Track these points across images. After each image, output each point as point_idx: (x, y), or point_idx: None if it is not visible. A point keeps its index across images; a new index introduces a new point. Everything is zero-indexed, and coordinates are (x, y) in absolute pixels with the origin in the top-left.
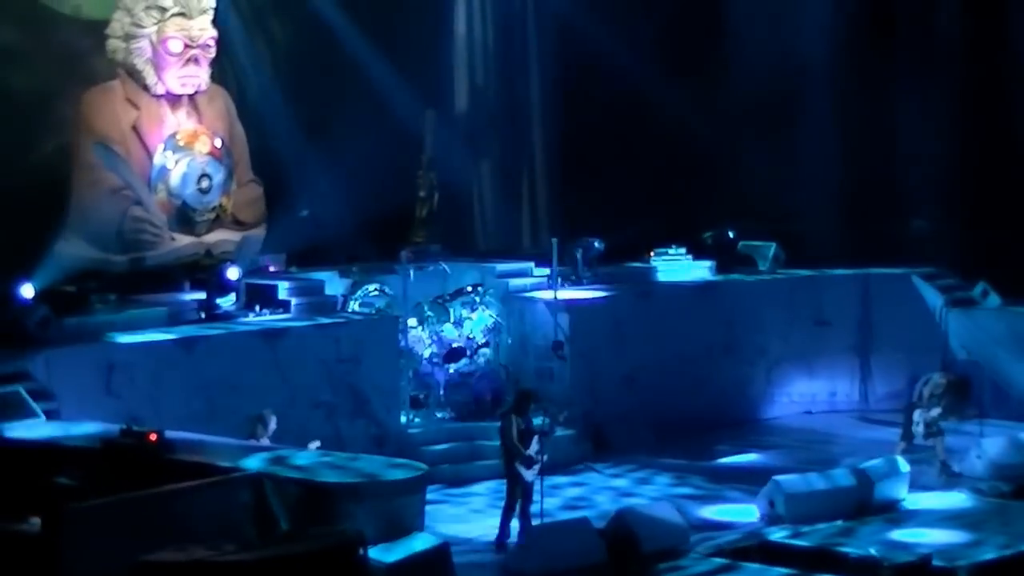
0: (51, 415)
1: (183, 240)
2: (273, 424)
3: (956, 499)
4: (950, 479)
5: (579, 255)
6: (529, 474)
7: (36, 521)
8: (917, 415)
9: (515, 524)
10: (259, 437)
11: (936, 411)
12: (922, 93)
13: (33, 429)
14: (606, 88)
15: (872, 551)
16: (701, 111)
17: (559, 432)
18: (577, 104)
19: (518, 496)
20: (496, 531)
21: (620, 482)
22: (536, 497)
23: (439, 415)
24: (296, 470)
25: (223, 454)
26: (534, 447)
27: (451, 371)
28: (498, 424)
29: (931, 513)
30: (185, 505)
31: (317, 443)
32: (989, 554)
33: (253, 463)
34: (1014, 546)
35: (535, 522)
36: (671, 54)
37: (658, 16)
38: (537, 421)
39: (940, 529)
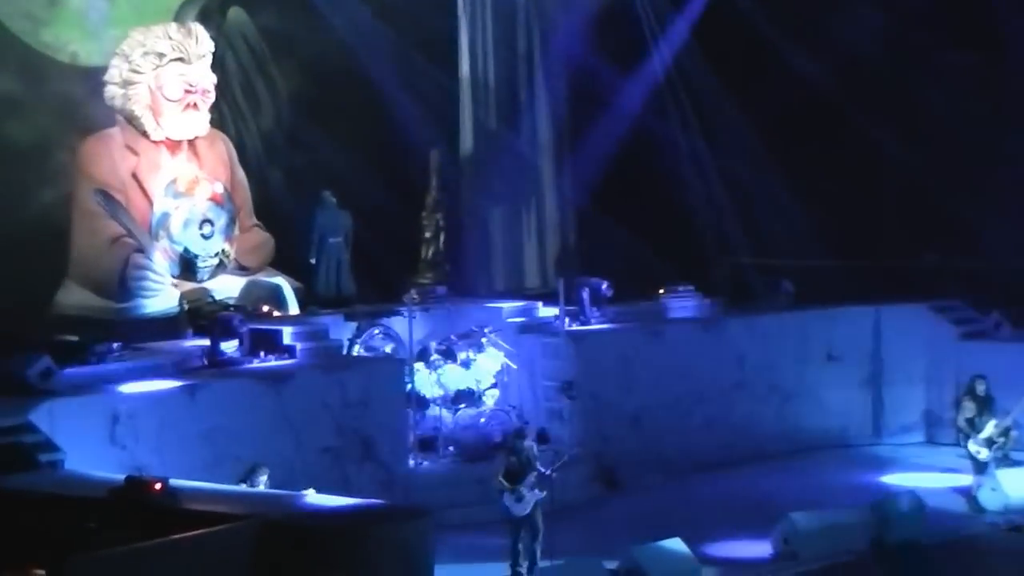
0: (55, 466)
1: (185, 286)
2: (263, 479)
3: (974, 533)
4: (976, 511)
5: (585, 295)
6: (519, 508)
7: (41, 573)
8: (972, 444)
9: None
10: None
11: (991, 422)
12: (930, 125)
13: (37, 481)
14: (615, 124)
15: None
16: (710, 147)
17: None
18: (585, 141)
19: (518, 529)
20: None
21: (631, 520)
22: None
23: (447, 456)
24: (300, 516)
25: (228, 502)
26: (528, 482)
27: (459, 413)
28: None
29: (949, 548)
30: (191, 554)
31: (311, 491)
32: None
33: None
34: None
35: (545, 564)
36: (681, 89)
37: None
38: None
39: (957, 564)
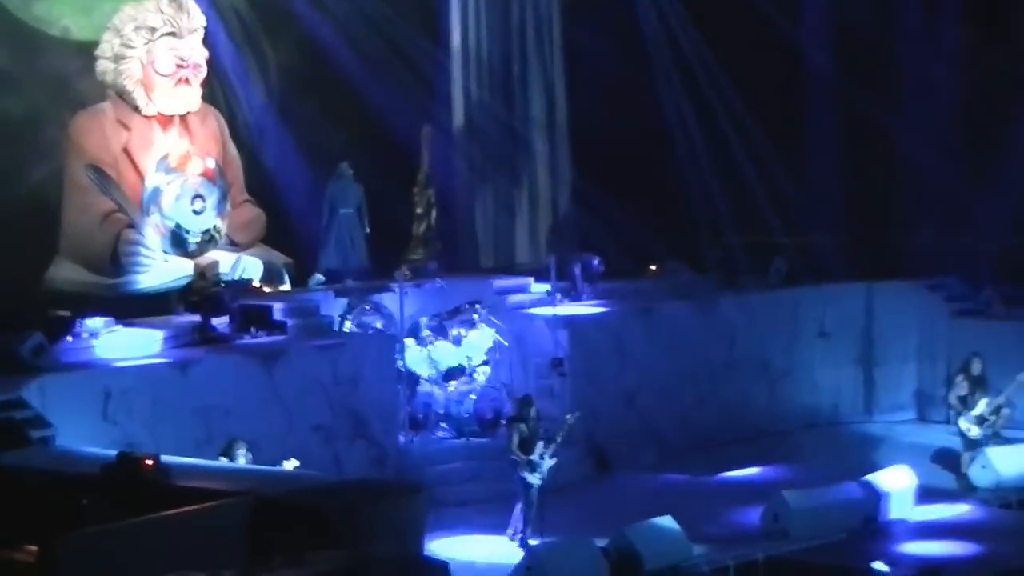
0: (47, 442)
1: (177, 262)
2: (241, 453)
3: (965, 510)
4: (965, 489)
5: (577, 271)
6: (534, 477)
7: (33, 549)
8: (963, 421)
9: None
10: None
11: (983, 400)
12: (925, 100)
13: (29, 457)
14: (608, 100)
15: (879, 565)
16: (704, 123)
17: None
18: (578, 116)
19: (531, 497)
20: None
21: (622, 499)
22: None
23: (439, 433)
24: (293, 492)
25: (220, 478)
26: (539, 451)
27: (450, 390)
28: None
29: (939, 525)
30: (183, 531)
31: (295, 462)
32: (997, 567)
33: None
34: (1022, 558)
35: (537, 541)
36: (674, 63)
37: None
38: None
39: (948, 541)
